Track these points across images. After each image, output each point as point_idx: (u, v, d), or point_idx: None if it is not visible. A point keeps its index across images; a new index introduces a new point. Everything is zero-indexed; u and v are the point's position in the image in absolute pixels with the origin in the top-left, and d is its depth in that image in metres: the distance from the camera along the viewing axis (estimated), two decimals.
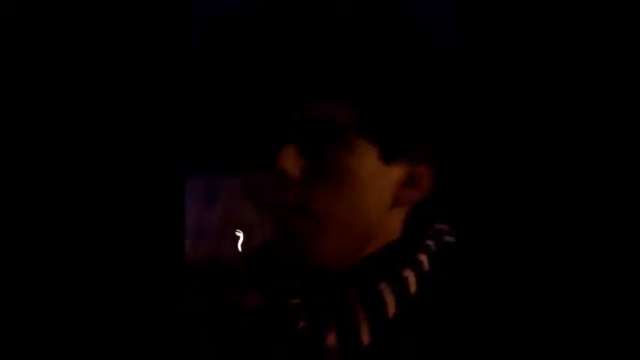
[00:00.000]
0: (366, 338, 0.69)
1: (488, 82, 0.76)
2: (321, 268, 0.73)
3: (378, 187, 0.71)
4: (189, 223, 1.68)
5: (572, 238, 0.74)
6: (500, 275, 0.75)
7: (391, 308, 0.71)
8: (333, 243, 0.70)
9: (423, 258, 0.73)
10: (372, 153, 0.71)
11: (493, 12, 0.75)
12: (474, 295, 0.73)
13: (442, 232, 0.76)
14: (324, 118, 0.70)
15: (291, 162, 0.71)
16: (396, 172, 0.72)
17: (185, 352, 0.79)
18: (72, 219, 0.74)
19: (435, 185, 0.73)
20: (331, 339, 0.71)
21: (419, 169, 0.73)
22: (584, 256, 0.73)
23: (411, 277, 0.72)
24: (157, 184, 0.79)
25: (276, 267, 0.82)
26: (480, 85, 0.77)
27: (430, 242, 0.75)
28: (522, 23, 0.74)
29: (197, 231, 1.69)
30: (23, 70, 0.75)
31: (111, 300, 0.75)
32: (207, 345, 0.83)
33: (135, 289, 0.76)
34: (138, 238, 0.77)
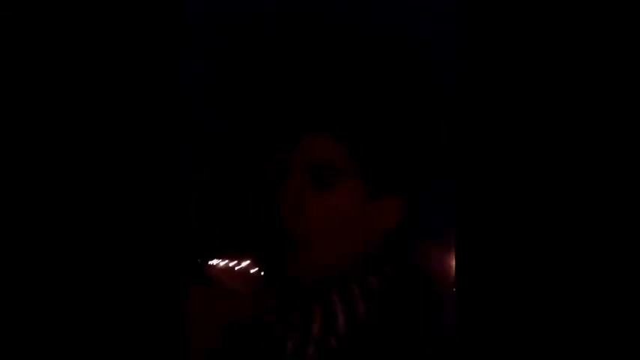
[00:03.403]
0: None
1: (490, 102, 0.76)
2: (295, 283, 0.81)
3: (363, 220, 0.81)
4: None
5: (565, 245, 0.74)
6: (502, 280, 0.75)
7: (340, 319, 0.81)
8: (315, 264, 0.80)
9: (374, 280, 0.82)
10: (361, 191, 0.80)
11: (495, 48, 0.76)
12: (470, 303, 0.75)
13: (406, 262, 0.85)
14: (322, 157, 0.79)
15: (292, 198, 0.79)
16: (375, 206, 0.82)
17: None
18: (75, 220, 0.74)
19: (405, 213, 0.82)
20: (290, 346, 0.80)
21: (392, 202, 0.83)
22: (582, 258, 0.73)
23: (357, 292, 0.81)
24: (158, 188, 0.79)
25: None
26: (480, 101, 0.77)
27: (387, 268, 0.83)
28: (524, 49, 0.75)
29: None
30: (24, 70, 0.75)
31: (110, 302, 0.75)
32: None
33: (135, 290, 0.76)
34: (140, 241, 0.76)
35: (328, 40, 0.80)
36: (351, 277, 0.83)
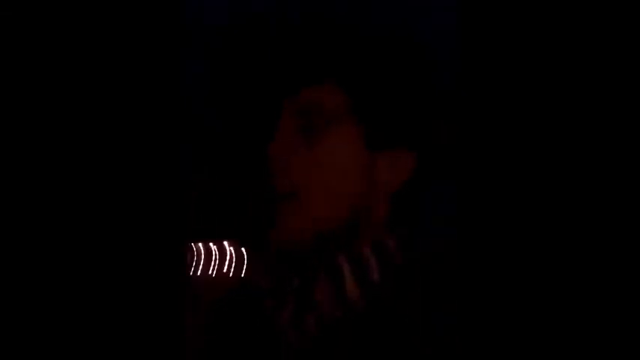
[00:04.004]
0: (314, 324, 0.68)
1: (490, 82, 0.76)
2: (288, 246, 0.72)
3: (363, 172, 0.71)
4: None
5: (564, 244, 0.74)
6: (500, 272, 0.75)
7: (350, 284, 0.69)
8: (313, 224, 0.70)
9: (391, 243, 0.72)
10: (360, 140, 0.71)
11: (495, 22, 0.76)
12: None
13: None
14: (315, 103, 0.71)
15: (280, 149, 0.71)
16: (380, 158, 0.73)
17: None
18: (74, 220, 0.74)
19: (416, 167, 0.73)
20: (286, 316, 0.70)
21: (401, 154, 0.74)
22: (580, 260, 0.73)
23: (369, 255, 0.71)
24: (158, 188, 0.79)
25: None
26: (482, 85, 0.77)
27: (404, 231, 0.74)
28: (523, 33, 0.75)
29: None
30: (24, 70, 0.75)
31: (110, 302, 0.75)
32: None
33: (135, 290, 0.76)
34: (139, 241, 0.76)
35: (328, 40, 0.79)
36: (360, 238, 0.73)
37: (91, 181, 0.75)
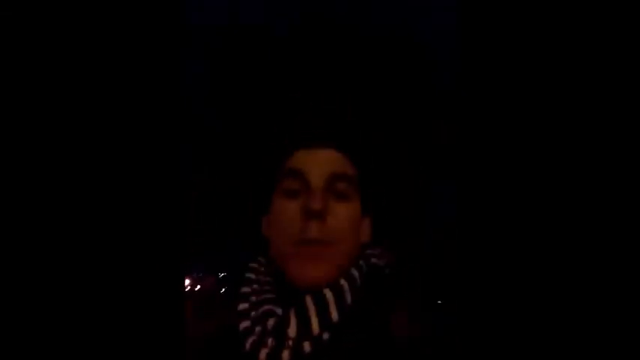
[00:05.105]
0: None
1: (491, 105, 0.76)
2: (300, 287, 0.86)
3: (357, 232, 0.92)
4: None
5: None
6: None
7: (333, 311, 0.87)
8: (336, 268, 0.86)
9: (355, 272, 0.88)
10: (360, 208, 0.92)
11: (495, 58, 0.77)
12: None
13: (371, 255, 0.98)
14: (344, 171, 0.89)
15: (317, 203, 0.86)
16: (362, 223, 0.94)
17: None
18: (74, 219, 0.74)
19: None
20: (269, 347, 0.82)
21: (368, 219, 0.97)
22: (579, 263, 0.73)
23: (345, 285, 0.86)
24: (158, 188, 0.79)
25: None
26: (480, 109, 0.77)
27: (361, 262, 0.94)
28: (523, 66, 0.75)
29: None
30: (24, 70, 0.75)
31: (110, 302, 0.75)
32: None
33: (134, 291, 0.76)
34: (139, 241, 0.76)
35: (328, 40, 0.80)
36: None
37: (90, 180, 0.75)
